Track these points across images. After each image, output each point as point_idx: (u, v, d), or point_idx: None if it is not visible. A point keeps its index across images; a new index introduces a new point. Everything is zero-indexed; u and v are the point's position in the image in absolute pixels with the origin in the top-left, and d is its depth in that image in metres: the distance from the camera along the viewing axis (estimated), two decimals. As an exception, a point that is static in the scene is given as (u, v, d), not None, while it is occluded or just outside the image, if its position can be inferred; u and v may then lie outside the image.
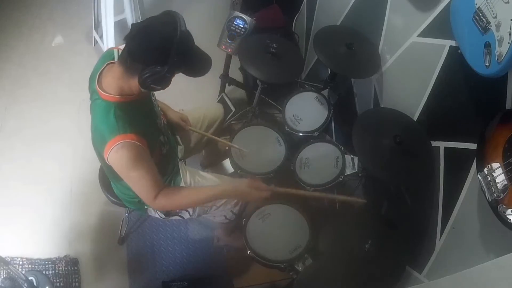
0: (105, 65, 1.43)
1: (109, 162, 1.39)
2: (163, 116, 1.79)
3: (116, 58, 1.45)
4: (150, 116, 1.58)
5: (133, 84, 1.34)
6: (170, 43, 1.26)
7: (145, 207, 1.76)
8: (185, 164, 1.96)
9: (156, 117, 1.62)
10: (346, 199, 1.97)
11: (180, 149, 1.95)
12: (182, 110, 2.00)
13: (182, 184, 1.78)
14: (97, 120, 1.39)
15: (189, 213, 1.81)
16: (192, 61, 1.36)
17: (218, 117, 2.13)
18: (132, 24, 1.32)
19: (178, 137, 1.95)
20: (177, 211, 1.80)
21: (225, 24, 2.26)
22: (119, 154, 1.34)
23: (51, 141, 2.61)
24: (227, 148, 2.04)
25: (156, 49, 1.27)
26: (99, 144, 1.40)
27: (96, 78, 1.41)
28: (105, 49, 2.86)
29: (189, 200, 1.59)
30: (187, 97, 2.61)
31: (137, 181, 1.44)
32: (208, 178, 1.86)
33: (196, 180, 1.82)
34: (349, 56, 1.94)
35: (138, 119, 1.42)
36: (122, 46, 1.35)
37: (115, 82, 1.37)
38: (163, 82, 1.32)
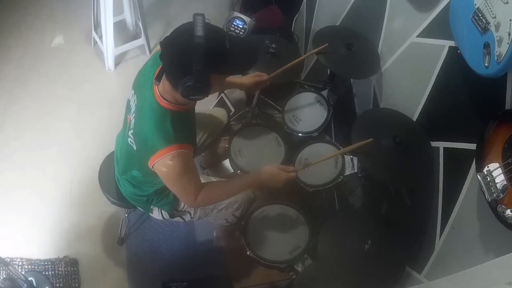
0: (159, 69, 1.41)
1: (154, 168, 1.39)
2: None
3: None
4: (194, 123, 1.61)
5: (180, 96, 1.32)
6: (186, 54, 1.21)
7: (150, 206, 1.77)
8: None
9: (196, 124, 1.64)
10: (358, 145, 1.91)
11: None
12: None
13: None
14: (149, 125, 1.38)
15: (191, 215, 1.81)
16: (229, 60, 1.28)
17: (223, 121, 2.15)
18: (160, 42, 1.31)
19: None
20: (180, 212, 1.81)
21: (225, 24, 2.26)
22: (173, 162, 1.36)
23: (51, 142, 2.60)
24: (226, 146, 2.05)
25: (176, 65, 1.26)
26: (145, 147, 1.40)
27: (152, 79, 1.40)
28: (104, 50, 2.86)
29: (224, 194, 1.65)
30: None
31: (184, 186, 1.47)
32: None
33: None
34: (349, 57, 1.94)
35: (190, 129, 1.49)
36: None
37: (170, 92, 1.35)
38: (201, 91, 1.27)
